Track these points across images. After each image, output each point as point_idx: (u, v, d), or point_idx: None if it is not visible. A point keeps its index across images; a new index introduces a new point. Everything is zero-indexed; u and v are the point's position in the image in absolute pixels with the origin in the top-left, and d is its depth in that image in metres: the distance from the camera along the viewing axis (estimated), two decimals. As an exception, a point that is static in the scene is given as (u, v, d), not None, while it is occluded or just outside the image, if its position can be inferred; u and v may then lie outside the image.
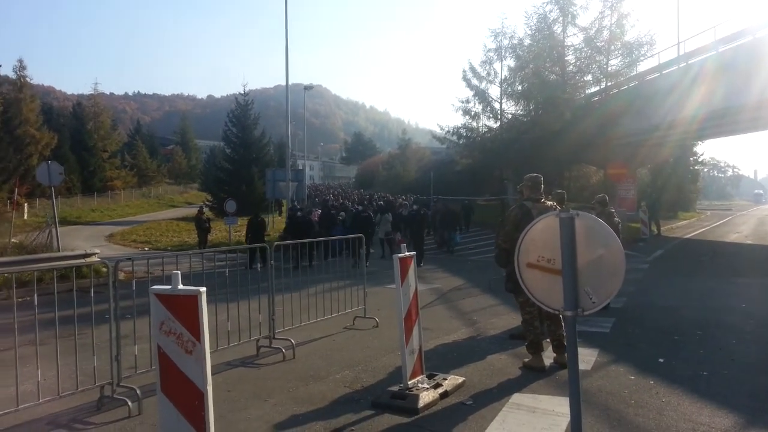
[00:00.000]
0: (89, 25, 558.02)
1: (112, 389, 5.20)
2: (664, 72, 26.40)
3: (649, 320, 8.71)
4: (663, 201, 32.74)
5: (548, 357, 6.44)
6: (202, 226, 22.88)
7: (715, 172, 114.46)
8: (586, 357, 6.42)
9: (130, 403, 5.00)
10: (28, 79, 48.47)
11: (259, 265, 7.63)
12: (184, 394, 3.25)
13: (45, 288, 10.16)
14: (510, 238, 6.03)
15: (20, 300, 5.23)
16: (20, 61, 48.69)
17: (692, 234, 28.29)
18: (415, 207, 19.04)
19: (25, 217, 31.16)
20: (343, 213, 20.50)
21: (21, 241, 16.65)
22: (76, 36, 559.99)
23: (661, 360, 6.47)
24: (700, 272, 14.54)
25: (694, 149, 44.72)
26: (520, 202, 6.53)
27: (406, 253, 5.64)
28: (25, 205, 32.37)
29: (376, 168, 74.95)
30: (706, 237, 27.02)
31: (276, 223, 26.84)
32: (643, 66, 29.10)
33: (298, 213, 18.32)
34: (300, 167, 39.00)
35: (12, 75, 48.24)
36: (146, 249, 23.27)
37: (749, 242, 23.74)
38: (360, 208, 18.94)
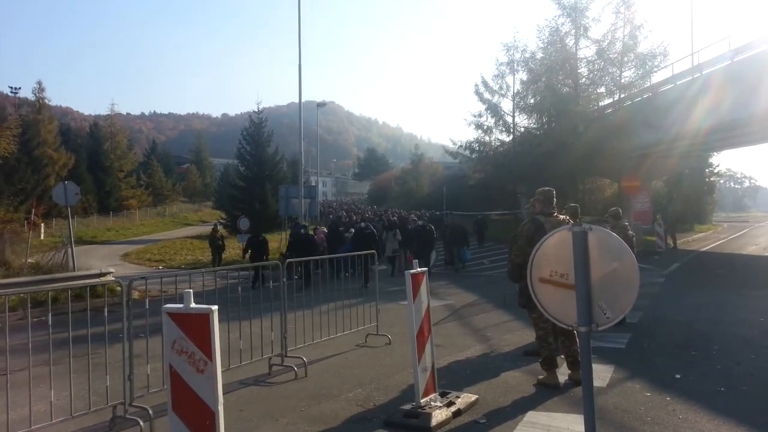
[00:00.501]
0: (106, 46, 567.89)
1: (124, 409, 5.20)
2: (677, 83, 26.26)
3: (666, 335, 8.59)
4: (679, 213, 32.44)
5: (563, 374, 6.35)
6: (215, 244, 23.03)
7: (732, 183, 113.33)
8: (602, 373, 6.33)
9: (141, 423, 5.00)
10: (46, 101, 49.38)
11: (257, 284, 7.68)
12: (196, 414, 3.25)
13: (60, 308, 10.23)
14: (523, 253, 6.00)
15: (35, 320, 5.27)
16: (39, 83, 49.70)
17: (709, 247, 27.96)
18: (420, 222, 18.11)
19: (42, 237, 31.47)
20: (352, 230, 19.53)
21: (37, 261, 16.84)
22: (93, 57, 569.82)
23: (678, 376, 6.37)
24: (717, 285, 14.33)
25: (710, 160, 44.37)
26: (533, 216, 6.49)
27: (418, 269, 5.62)
28: (42, 225, 32.72)
29: (389, 184, 75.09)
30: (723, 249, 26.69)
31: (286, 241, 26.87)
32: (656, 77, 29.00)
33: (302, 231, 17.72)
34: (313, 184, 39.14)
35: (31, 97, 49.21)
36: (161, 267, 23.42)
37: (767, 254, 23.41)
38: (363, 224, 17.93)
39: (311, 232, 19.48)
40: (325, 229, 21.27)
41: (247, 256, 17.96)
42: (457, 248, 19.98)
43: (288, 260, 8.21)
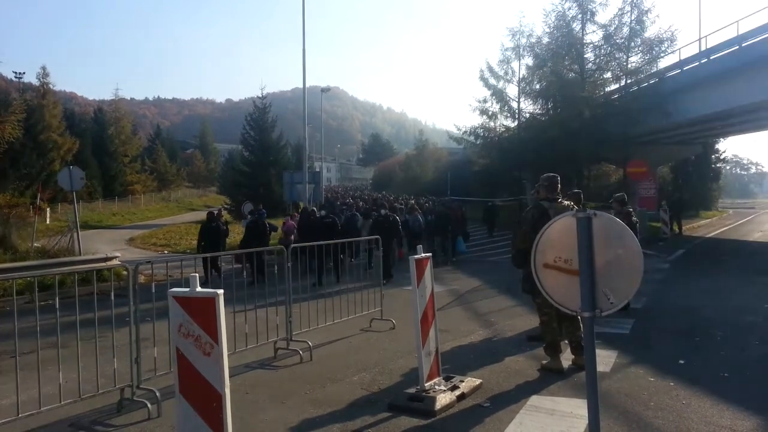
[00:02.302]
0: (110, 31, 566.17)
1: (131, 391, 5.26)
2: (685, 68, 26.04)
3: (670, 321, 8.60)
4: (684, 199, 32.30)
5: (566, 359, 6.39)
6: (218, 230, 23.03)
7: (738, 169, 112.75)
8: (605, 359, 6.36)
9: (149, 405, 5.06)
10: (50, 86, 49.24)
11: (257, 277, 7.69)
12: (203, 396, 3.29)
13: (66, 291, 10.28)
14: (527, 239, 5.99)
15: (42, 303, 5.31)
16: (43, 68, 49.73)
17: (714, 233, 27.88)
18: (382, 211, 15.21)
19: (48, 221, 31.53)
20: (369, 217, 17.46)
21: (43, 246, 16.91)
22: (97, 42, 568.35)
23: (682, 361, 6.39)
24: (722, 272, 14.32)
25: (716, 146, 44.09)
26: (537, 202, 6.49)
27: (423, 255, 5.64)
28: (48, 209, 32.75)
29: (393, 169, 74.95)
30: (728, 236, 26.61)
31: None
32: (663, 63, 28.72)
33: (258, 219, 14.77)
34: (317, 169, 39.10)
35: (35, 82, 49.11)
36: (166, 252, 23.50)
37: (773, 241, 23.34)
38: (384, 212, 15.31)
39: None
40: (297, 215, 18.59)
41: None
42: (441, 239, 17.60)
43: (299, 245, 8.21)
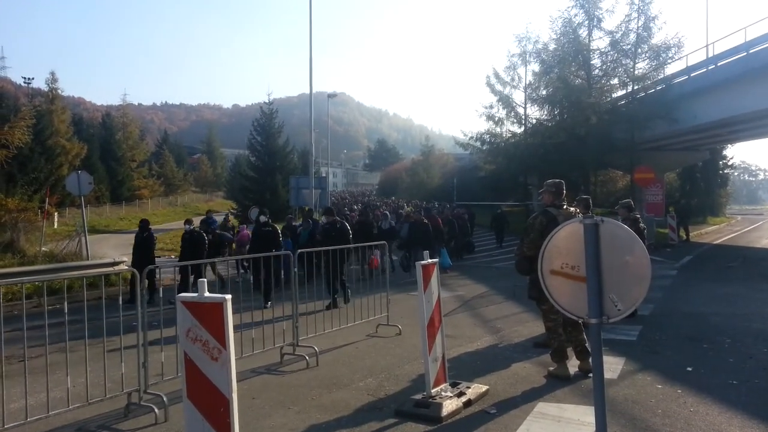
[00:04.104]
0: (119, 37, 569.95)
1: (139, 396, 5.27)
2: (692, 75, 26.00)
3: (677, 328, 8.56)
4: (692, 206, 32.18)
5: (573, 366, 6.36)
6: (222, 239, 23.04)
7: (746, 175, 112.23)
8: (613, 365, 6.33)
9: (156, 410, 5.07)
10: (59, 91, 49.63)
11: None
12: (210, 401, 3.30)
13: (74, 296, 10.33)
14: (535, 246, 5.97)
15: (50, 308, 5.35)
16: (52, 73, 50.02)
17: (722, 239, 27.75)
18: (323, 219, 12.39)
19: (56, 226, 31.70)
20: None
21: (51, 250, 17.00)
22: (106, 48, 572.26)
23: (690, 368, 6.36)
24: (730, 278, 14.24)
25: (724, 152, 43.94)
26: (544, 208, 6.48)
27: (429, 261, 5.64)
28: (56, 214, 32.93)
29: (399, 175, 74.95)
30: (736, 242, 26.47)
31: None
32: (670, 69, 28.67)
33: (192, 228, 12.78)
34: (323, 174, 39.17)
35: (44, 87, 49.51)
36: (173, 257, 23.57)
37: (781, 247, 23.20)
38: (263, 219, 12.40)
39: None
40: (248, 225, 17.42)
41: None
42: (415, 251, 14.73)
43: (306, 250, 8.20)
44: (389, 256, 13.65)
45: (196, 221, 14.04)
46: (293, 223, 16.72)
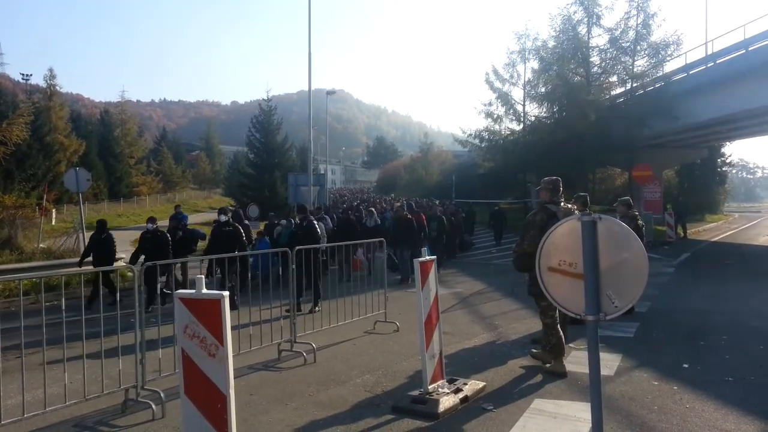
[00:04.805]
0: (117, 33, 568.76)
1: (136, 392, 5.28)
2: (691, 72, 26.02)
3: (674, 325, 8.58)
4: (690, 203, 32.20)
5: (570, 362, 6.39)
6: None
7: (744, 173, 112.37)
8: (609, 362, 6.35)
9: (154, 406, 5.08)
10: (57, 88, 49.63)
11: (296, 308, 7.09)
12: (207, 397, 3.30)
13: (72, 292, 10.33)
14: (536, 243, 5.99)
15: (48, 304, 5.34)
16: (50, 70, 49.98)
17: (719, 237, 27.79)
18: (222, 218, 11.08)
19: (53, 222, 31.64)
20: (283, 222, 14.93)
21: (49, 246, 16.98)
22: (104, 44, 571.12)
23: (686, 365, 6.38)
24: (727, 276, 14.27)
25: (722, 150, 43.99)
26: (543, 205, 6.49)
27: (427, 258, 5.65)
28: (53, 210, 32.91)
29: (398, 172, 74.95)
30: (733, 240, 26.51)
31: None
32: (669, 66, 28.69)
33: (150, 227, 11.66)
34: (322, 171, 39.17)
35: (42, 84, 49.51)
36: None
37: (779, 245, 23.24)
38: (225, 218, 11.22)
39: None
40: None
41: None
42: (400, 251, 14.18)
43: (304, 247, 8.15)
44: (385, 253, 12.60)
45: (194, 218, 13.60)
46: (275, 221, 15.81)
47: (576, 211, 6.47)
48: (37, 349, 5.00)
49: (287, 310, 7.89)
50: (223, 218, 10.87)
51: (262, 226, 17.54)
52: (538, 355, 6.41)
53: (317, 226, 11.62)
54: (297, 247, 7.78)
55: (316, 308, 9.77)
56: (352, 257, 13.14)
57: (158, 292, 8.75)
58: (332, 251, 11.70)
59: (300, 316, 7.42)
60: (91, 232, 12.15)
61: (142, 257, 10.30)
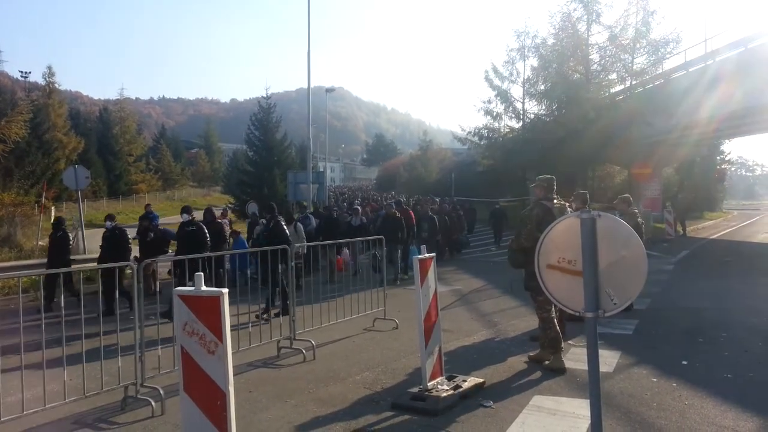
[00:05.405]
0: (116, 31, 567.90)
1: (136, 389, 5.28)
2: (690, 70, 25.98)
3: (673, 322, 8.59)
4: (689, 201, 32.22)
5: (568, 359, 6.39)
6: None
7: (743, 171, 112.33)
8: (608, 359, 6.36)
9: (153, 403, 5.08)
10: (56, 85, 49.62)
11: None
12: (207, 394, 3.30)
13: (71, 289, 10.24)
14: (532, 237, 6.11)
15: (47, 302, 5.34)
16: (49, 67, 50.00)
17: (718, 234, 27.81)
18: (268, 216, 10.66)
19: (52, 220, 31.70)
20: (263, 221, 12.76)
21: (46, 244, 16.96)
22: (103, 42, 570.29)
23: (685, 362, 6.39)
24: (726, 273, 14.28)
25: (721, 148, 43.99)
26: (539, 201, 6.56)
27: (426, 255, 5.65)
28: (53, 208, 32.89)
29: (397, 170, 74.93)
30: (732, 237, 26.54)
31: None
32: (668, 64, 28.70)
33: (108, 224, 11.24)
34: (321, 169, 39.15)
35: (41, 81, 49.49)
36: (170, 251, 23.57)
37: (778, 243, 23.26)
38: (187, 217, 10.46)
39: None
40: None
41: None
42: (389, 248, 12.15)
43: (316, 243, 8.14)
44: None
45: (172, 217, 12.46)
46: (258, 220, 14.70)
47: (569, 209, 6.57)
48: (36, 346, 5.00)
49: (257, 316, 7.86)
50: (185, 217, 10.14)
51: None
52: (536, 356, 6.41)
53: (298, 227, 11.28)
54: (258, 249, 7.60)
55: (286, 315, 8.31)
56: (336, 257, 12.66)
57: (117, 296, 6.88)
58: (317, 252, 11.03)
59: (299, 314, 7.41)
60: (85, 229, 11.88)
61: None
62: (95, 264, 10.79)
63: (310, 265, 12.12)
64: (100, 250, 11.02)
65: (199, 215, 10.80)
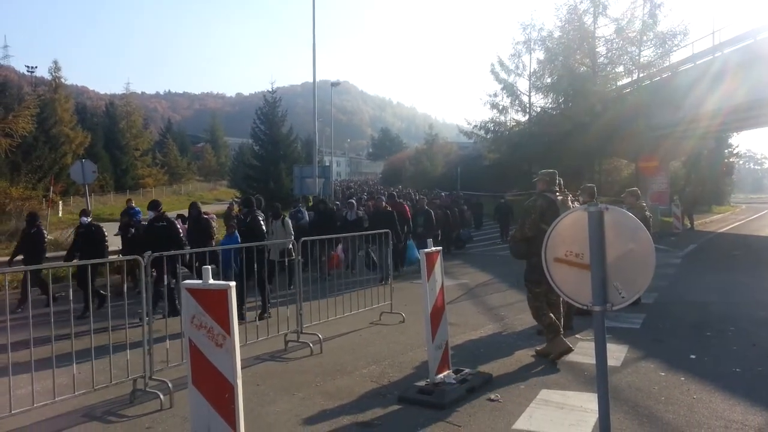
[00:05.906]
0: (122, 25, 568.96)
1: (144, 382, 5.31)
2: (697, 62, 25.81)
3: (681, 316, 8.56)
4: (696, 194, 32.05)
5: (577, 353, 6.39)
6: (230, 222, 22.98)
7: (752, 164, 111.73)
8: (616, 353, 6.35)
9: (161, 396, 5.11)
10: (62, 80, 49.67)
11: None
12: (215, 387, 3.32)
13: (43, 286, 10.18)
14: (535, 226, 6.21)
15: (56, 295, 5.37)
16: (55, 62, 50.00)
17: (726, 228, 27.68)
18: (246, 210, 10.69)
19: (60, 214, 31.75)
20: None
21: (56, 238, 17.05)
22: (109, 37, 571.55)
23: (693, 356, 6.37)
24: (734, 267, 14.21)
25: (729, 141, 43.71)
26: (542, 193, 6.59)
27: (433, 249, 5.65)
28: (60, 202, 33.05)
29: (403, 164, 74.78)
30: (740, 231, 26.39)
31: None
32: (675, 57, 28.51)
33: (84, 220, 10.62)
34: (327, 163, 39.15)
35: (47, 76, 49.59)
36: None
37: (786, 236, 23.13)
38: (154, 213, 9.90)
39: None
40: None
41: None
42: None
43: (309, 238, 8.10)
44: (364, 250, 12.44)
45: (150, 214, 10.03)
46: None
47: (573, 202, 6.61)
48: (45, 339, 5.02)
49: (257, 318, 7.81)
50: (151, 214, 9.57)
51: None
52: (543, 350, 6.40)
53: (286, 222, 11.12)
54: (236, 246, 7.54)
55: (266, 315, 8.35)
56: (331, 252, 12.33)
57: (90, 294, 6.31)
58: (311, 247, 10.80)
59: (306, 307, 7.43)
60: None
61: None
62: (95, 261, 10.48)
63: (308, 260, 12.01)
64: (71, 244, 10.49)
65: (208, 209, 10.68)
